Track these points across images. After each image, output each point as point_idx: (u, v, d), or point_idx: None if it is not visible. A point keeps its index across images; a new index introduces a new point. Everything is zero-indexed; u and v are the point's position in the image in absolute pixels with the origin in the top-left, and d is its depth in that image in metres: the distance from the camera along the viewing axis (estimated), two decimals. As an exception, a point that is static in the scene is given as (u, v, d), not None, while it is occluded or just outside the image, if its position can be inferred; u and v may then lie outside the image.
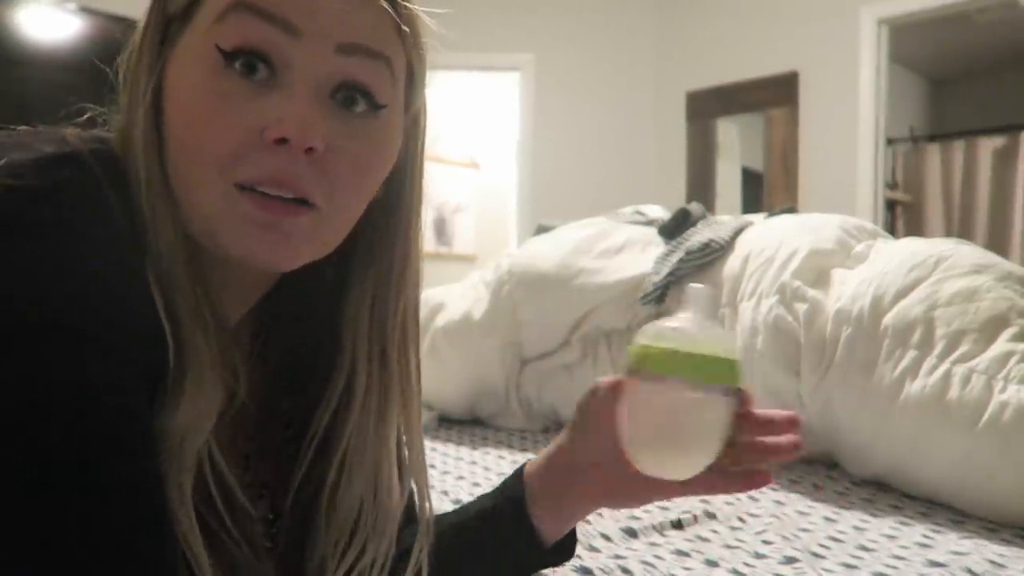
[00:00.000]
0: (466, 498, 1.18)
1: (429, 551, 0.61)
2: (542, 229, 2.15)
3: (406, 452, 0.60)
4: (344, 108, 0.50)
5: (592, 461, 0.63)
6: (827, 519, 1.11)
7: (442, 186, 5.85)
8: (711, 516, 1.09)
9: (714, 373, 0.54)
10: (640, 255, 1.76)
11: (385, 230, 0.57)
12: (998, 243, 4.80)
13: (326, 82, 0.49)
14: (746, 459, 0.59)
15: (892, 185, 5.01)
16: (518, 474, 0.67)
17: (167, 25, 0.51)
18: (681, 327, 0.55)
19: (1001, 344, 1.18)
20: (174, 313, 0.47)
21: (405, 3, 0.52)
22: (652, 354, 0.54)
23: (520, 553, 0.64)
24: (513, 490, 0.66)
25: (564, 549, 0.68)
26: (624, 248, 1.79)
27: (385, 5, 0.50)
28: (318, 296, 0.60)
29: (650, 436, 0.56)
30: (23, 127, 0.49)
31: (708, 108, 4.62)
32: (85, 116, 0.53)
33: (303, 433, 0.59)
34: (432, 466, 1.47)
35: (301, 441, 0.59)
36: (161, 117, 0.50)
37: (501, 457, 1.54)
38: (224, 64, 0.47)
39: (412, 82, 0.56)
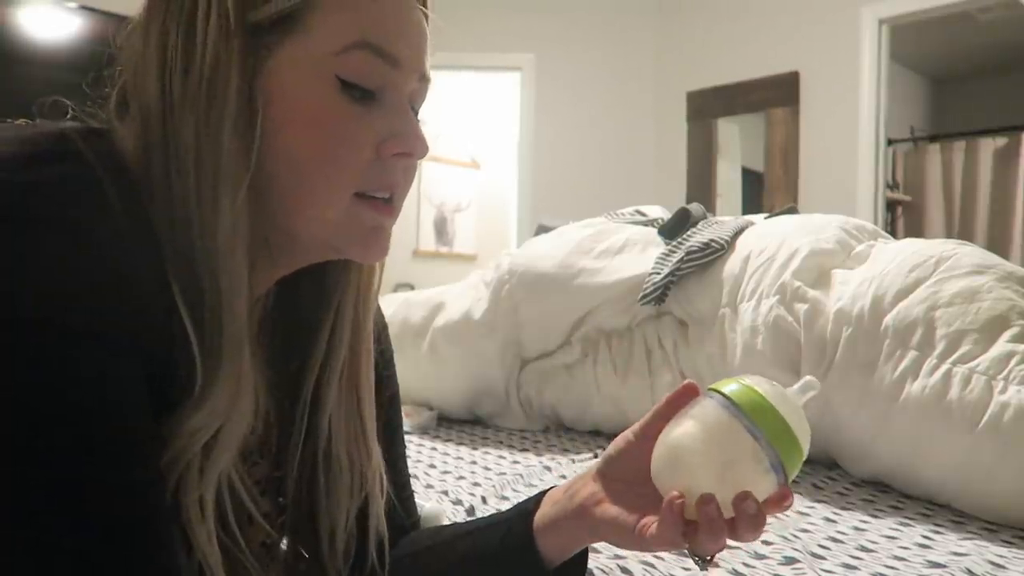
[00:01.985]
0: (466, 498, 1.18)
1: (439, 554, 0.68)
2: (542, 229, 2.15)
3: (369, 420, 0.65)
4: None
5: (628, 478, 0.61)
6: (827, 519, 1.11)
7: (442, 186, 5.86)
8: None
9: (788, 457, 0.53)
10: (640, 255, 1.76)
11: None
12: (999, 244, 4.80)
13: (406, 100, 0.57)
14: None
15: (893, 185, 5.01)
16: (542, 491, 0.67)
17: (254, 33, 0.50)
18: (794, 402, 0.54)
19: (1002, 345, 1.18)
20: (214, 311, 0.48)
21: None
22: (756, 399, 0.53)
23: (514, 564, 0.64)
24: (530, 501, 0.67)
25: (575, 570, 0.67)
26: (624, 248, 1.79)
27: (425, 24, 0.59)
28: (314, 276, 0.62)
29: (688, 447, 0.54)
30: (21, 120, 0.48)
31: (708, 108, 4.62)
32: (68, 114, 0.52)
33: (295, 403, 0.62)
34: (432, 466, 1.46)
35: (295, 412, 0.62)
36: (257, 123, 0.51)
37: (501, 457, 1.54)
38: (341, 88, 0.52)
39: None
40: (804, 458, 0.54)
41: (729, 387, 0.55)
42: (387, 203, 0.56)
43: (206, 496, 0.48)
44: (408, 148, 0.55)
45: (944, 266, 1.32)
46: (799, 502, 1.20)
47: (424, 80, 0.58)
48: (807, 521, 1.10)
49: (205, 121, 0.49)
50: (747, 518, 0.51)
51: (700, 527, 0.52)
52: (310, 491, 0.62)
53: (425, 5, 0.59)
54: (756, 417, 0.53)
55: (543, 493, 0.67)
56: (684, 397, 0.57)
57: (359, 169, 0.54)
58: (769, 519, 1.10)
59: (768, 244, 1.56)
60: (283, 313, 0.63)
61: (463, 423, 1.94)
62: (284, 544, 0.63)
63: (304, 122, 0.52)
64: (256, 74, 0.51)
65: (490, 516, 0.71)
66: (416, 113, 0.59)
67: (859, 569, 0.90)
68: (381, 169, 0.55)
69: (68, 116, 0.52)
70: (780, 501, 0.53)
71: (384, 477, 0.65)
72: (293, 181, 0.52)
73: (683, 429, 0.55)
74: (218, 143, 0.49)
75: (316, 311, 0.62)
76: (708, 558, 0.55)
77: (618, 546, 0.62)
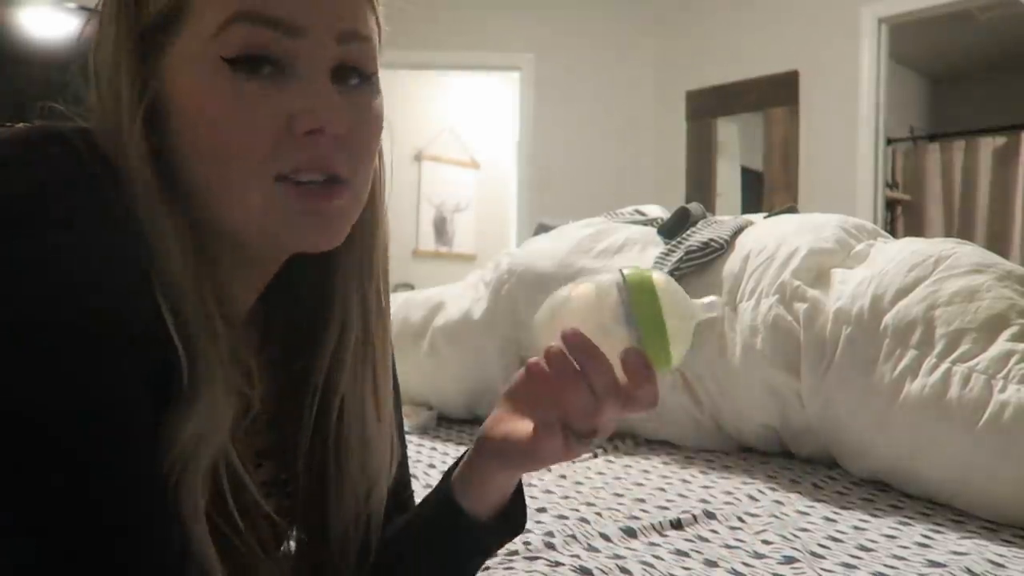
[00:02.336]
0: (466, 498, 1.17)
1: (402, 535, 0.66)
2: (542, 228, 2.15)
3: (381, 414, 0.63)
4: (342, 84, 0.53)
5: (496, 423, 0.61)
6: (827, 519, 1.11)
7: (442, 186, 5.85)
8: (710, 516, 1.09)
9: (657, 353, 0.55)
10: (640, 255, 1.75)
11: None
12: (998, 243, 4.80)
13: (328, 67, 0.52)
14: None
15: (892, 185, 5.01)
16: (460, 457, 0.67)
17: (144, 35, 0.50)
18: (685, 303, 0.57)
19: (1001, 344, 1.18)
20: (182, 318, 0.48)
21: None
22: (644, 284, 0.56)
23: (455, 530, 0.63)
24: (448, 472, 0.66)
25: (507, 524, 0.65)
26: (624, 248, 1.79)
27: None
28: (311, 269, 0.61)
29: (565, 296, 0.58)
30: (21, 124, 0.48)
31: (708, 107, 4.61)
32: (60, 114, 0.52)
33: (304, 397, 0.61)
34: (432, 466, 1.46)
35: (303, 409, 0.61)
36: (162, 125, 0.50)
37: (501, 457, 1.54)
38: (231, 69, 0.49)
39: (380, 47, 0.58)
40: (671, 359, 0.56)
41: (633, 280, 0.57)
42: (325, 187, 0.51)
43: (199, 487, 0.48)
44: (315, 123, 0.50)
45: (943, 265, 1.32)
46: (799, 501, 1.20)
47: (350, 40, 0.52)
48: (806, 520, 1.10)
49: (109, 130, 0.49)
50: (593, 369, 0.53)
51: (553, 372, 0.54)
52: (320, 488, 0.62)
53: None
54: (635, 293, 0.55)
55: (459, 460, 0.66)
56: None
57: (267, 151, 0.49)
58: (768, 519, 1.10)
59: (767, 243, 1.56)
60: (285, 314, 0.63)
61: (463, 423, 1.94)
62: (291, 543, 0.64)
63: (202, 115, 0.49)
64: (152, 77, 0.50)
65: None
66: (362, 76, 0.54)
67: (859, 568, 0.90)
68: (299, 148, 0.50)
69: (61, 116, 0.52)
70: (641, 373, 0.53)
71: (394, 465, 0.65)
72: (208, 176, 0.50)
73: (569, 286, 0.59)
74: (126, 151, 0.49)
75: (320, 310, 0.61)
76: (588, 435, 0.55)
77: (519, 467, 0.60)
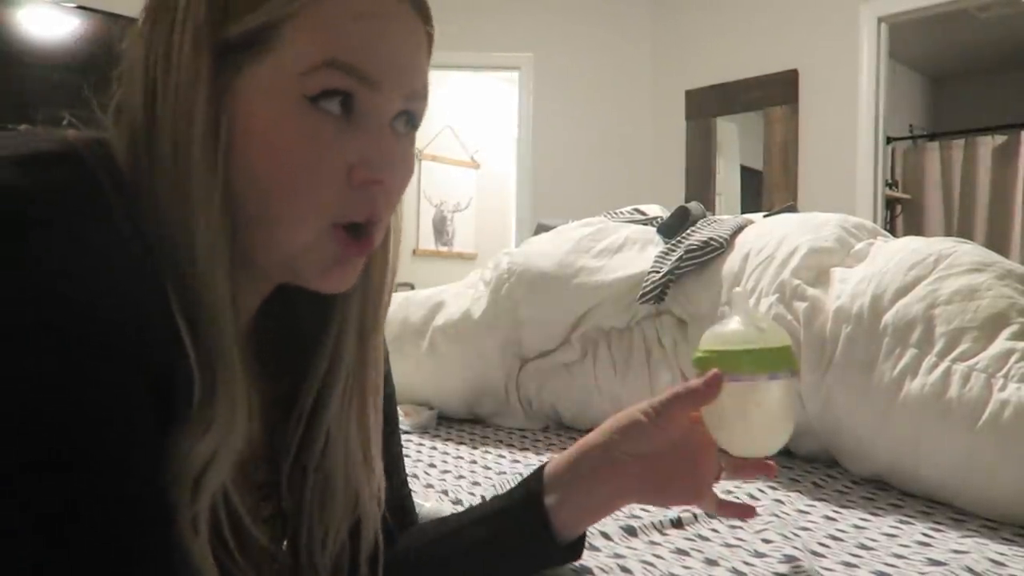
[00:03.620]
0: (466, 497, 1.18)
1: (445, 544, 0.68)
2: (542, 228, 2.15)
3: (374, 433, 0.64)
4: (395, 134, 0.55)
5: (638, 454, 0.68)
6: (827, 518, 1.11)
7: (442, 185, 5.86)
8: (711, 515, 1.09)
9: (776, 361, 0.67)
10: (639, 254, 1.76)
11: None
12: (998, 241, 4.81)
13: (392, 121, 0.54)
14: None
15: (892, 183, 5.02)
16: (539, 469, 0.68)
17: (225, 50, 0.49)
18: (738, 329, 0.68)
19: (1001, 342, 1.18)
20: (200, 332, 0.47)
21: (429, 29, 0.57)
22: (724, 356, 0.67)
23: (531, 546, 0.65)
24: (532, 484, 0.67)
25: (574, 549, 0.69)
26: (624, 247, 1.79)
27: (425, 44, 0.56)
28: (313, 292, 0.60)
29: (738, 423, 0.68)
30: (24, 126, 0.48)
31: (707, 106, 4.61)
32: (64, 121, 0.51)
33: (290, 413, 0.61)
34: (432, 465, 1.47)
35: (288, 423, 0.61)
36: (224, 143, 0.49)
37: (501, 456, 1.54)
38: (311, 108, 0.50)
39: None
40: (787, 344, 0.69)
41: (738, 359, 0.67)
42: (359, 237, 0.53)
43: (200, 514, 0.47)
44: (377, 175, 0.52)
45: (943, 264, 1.32)
46: (799, 500, 1.20)
47: (415, 99, 0.55)
48: (807, 519, 1.10)
49: (174, 140, 0.48)
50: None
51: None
52: (298, 515, 0.61)
53: (429, 22, 0.56)
54: (776, 364, 0.67)
55: (540, 473, 0.68)
56: (709, 389, 0.67)
57: (331, 196, 0.51)
58: (768, 518, 1.10)
59: (767, 242, 1.56)
60: (281, 325, 0.62)
61: (463, 422, 1.94)
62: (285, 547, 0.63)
63: (274, 147, 0.50)
64: (224, 93, 0.49)
65: (491, 502, 0.71)
66: (413, 128, 0.56)
67: (859, 567, 0.90)
68: (356, 197, 0.52)
69: (65, 122, 0.52)
70: None
71: (382, 497, 0.64)
72: (261, 206, 0.51)
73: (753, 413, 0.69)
74: (189, 163, 0.48)
75: (318, 323, 0.61)
76: None
77: (652, 503, 0.76)
